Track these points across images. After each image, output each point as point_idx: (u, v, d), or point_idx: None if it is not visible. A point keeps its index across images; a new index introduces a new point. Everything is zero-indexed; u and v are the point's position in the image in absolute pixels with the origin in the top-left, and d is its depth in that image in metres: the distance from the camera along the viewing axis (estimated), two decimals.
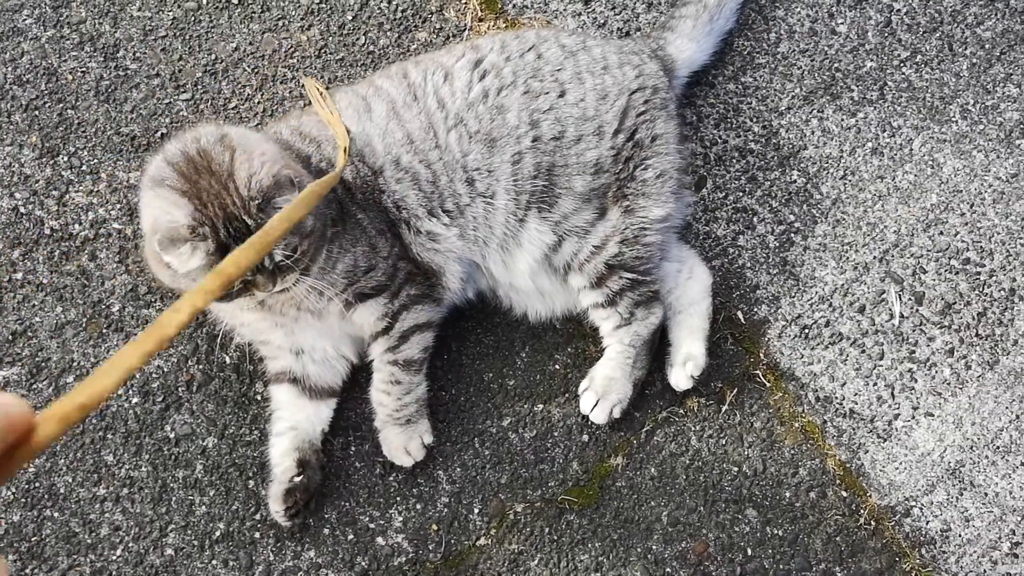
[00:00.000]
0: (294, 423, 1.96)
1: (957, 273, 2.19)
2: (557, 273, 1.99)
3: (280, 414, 1.97)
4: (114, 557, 1.94)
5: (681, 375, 2.05)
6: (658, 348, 2.09)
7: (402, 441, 1.95)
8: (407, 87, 1.92)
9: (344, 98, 1.94)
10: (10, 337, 2.04)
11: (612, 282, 1.97)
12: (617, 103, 1.94)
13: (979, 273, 2.19)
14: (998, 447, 2.09)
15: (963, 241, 2.21)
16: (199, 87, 2.20)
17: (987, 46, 2.30)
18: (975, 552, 2.04)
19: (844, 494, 2.07)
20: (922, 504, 2.07)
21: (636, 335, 2.00)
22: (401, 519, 2.00)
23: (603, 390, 2.03)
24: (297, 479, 1.90)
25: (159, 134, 2.18)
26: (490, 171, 1.89)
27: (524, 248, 1.96)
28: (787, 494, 2.06)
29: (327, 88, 2.08)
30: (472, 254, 1.94)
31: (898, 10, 2.32)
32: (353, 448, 2.03)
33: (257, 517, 1.98)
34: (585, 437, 2.07)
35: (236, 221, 1.56)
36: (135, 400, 2.03)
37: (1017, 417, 2.11)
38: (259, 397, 2.04)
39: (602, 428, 2.07)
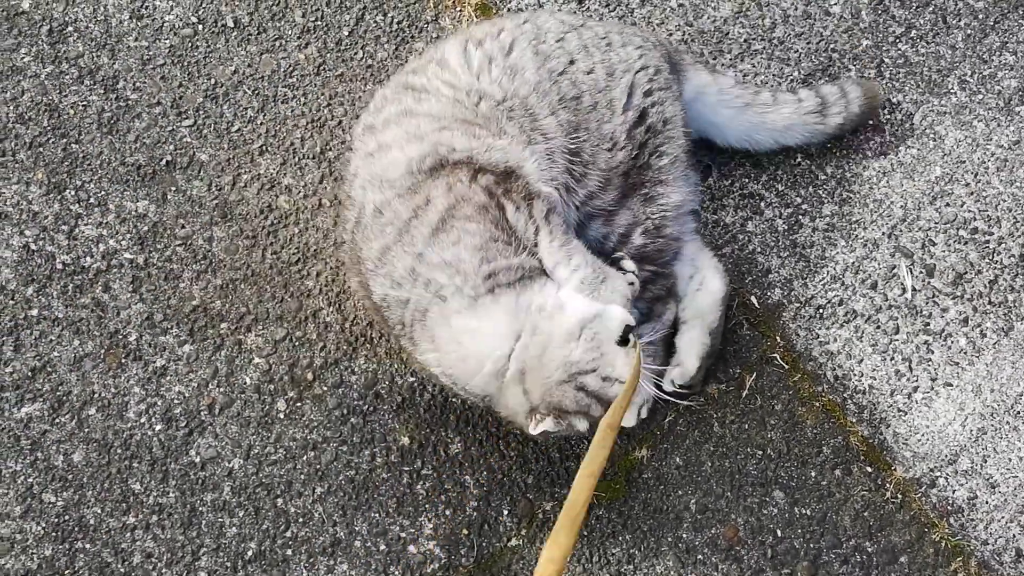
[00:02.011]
0: None
1: (966, 243, 2.20)
2: None
3: None
4: None
5: (667, 378, 2.03)
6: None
7: None
8: (415, 94, 1.94)
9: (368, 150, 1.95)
10: (30, 374, 2.05)
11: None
12: (623, 79, 1.96)
13: (988, 241, 2.20)
14: (1018, 412, 2.10)
15: (969, 211, 2.22)
16: (201, 112, 2.22)
17: (980, 16, 2.32)
18: (1003, 518, 2.05)
19: (869, 469, 2.07)
20: (947, 474, 2.07)
21: (655, 331, 2.01)
22: (431, 526, 2.01)
23: None
24: None
25: (164, 162, 2.19)
26: (544, 132, 1.91)
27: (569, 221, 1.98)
28: (812, 473, 2.07)
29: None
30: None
31: None
32: (379, 459, 2.03)
33: (288, 535, 1.98)
34: None
35: None
36: (158, 427, 2.03)
37: None
38: (281, 415, 2.05)
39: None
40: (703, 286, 2.08)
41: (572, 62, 1.94)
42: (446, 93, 1.91)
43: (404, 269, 1.78)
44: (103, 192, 2.17)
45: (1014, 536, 2.03)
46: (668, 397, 1.98)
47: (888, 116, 2.28)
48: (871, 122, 2.26)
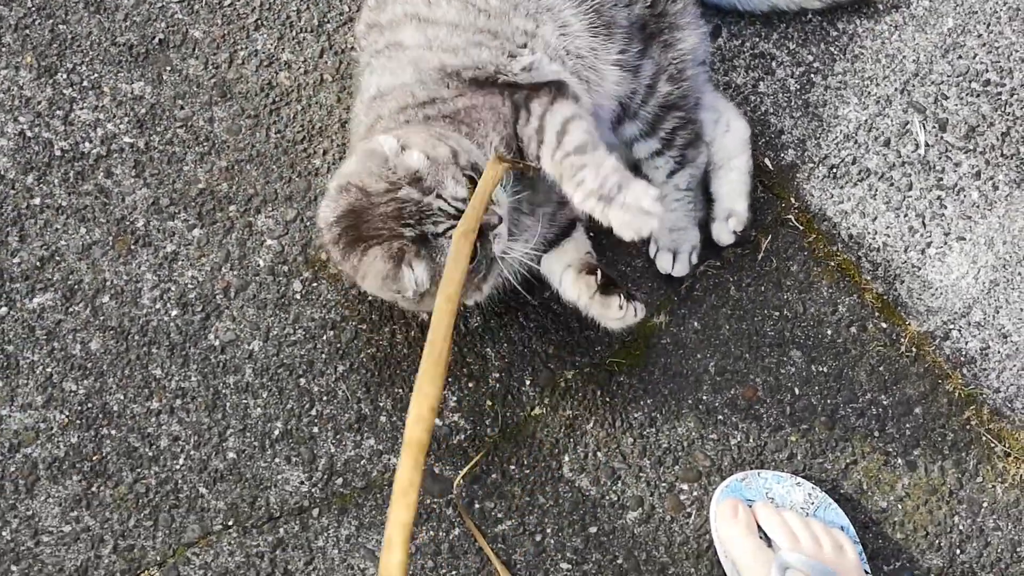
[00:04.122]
0: None
1: (979, 96, 2.18)
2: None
3: None
4: (177, 466, 1.96)
5: (723, 229, 2.06)
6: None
7: None
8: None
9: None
10: (39, 264, 2.01)
11: (667, 123, 1.97)
12: None
13: (1000, 93, 2.18)
14: None
15: (982, 63, 2.19)
16: None
17: None
18: (1015, 366, 2.09)
19: (884, 325, 2.10)
20: (960, 326, 2.10)
21: (692, 176, 2.02)
22: (455, 399, 2.02)
23: (675, 243, 2.04)
24: None
25: (156, 41, 2.11)
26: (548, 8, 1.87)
27: (606, 91, 1.95)
28: (828, 332, 2.09)
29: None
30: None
31: None
32: (399, 335, 2.03)
33: (313, 413, 1.99)
34: None
35: None
36: (174, 312, 2.01)
37: None
38: (298, 296, 2.03)
39: (643, 288, 2.08)
40: (730, 127, 2.09)
41: None
42: None
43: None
44: (96, 74, 2.09)
45: None
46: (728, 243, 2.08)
47: None
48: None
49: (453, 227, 1.66)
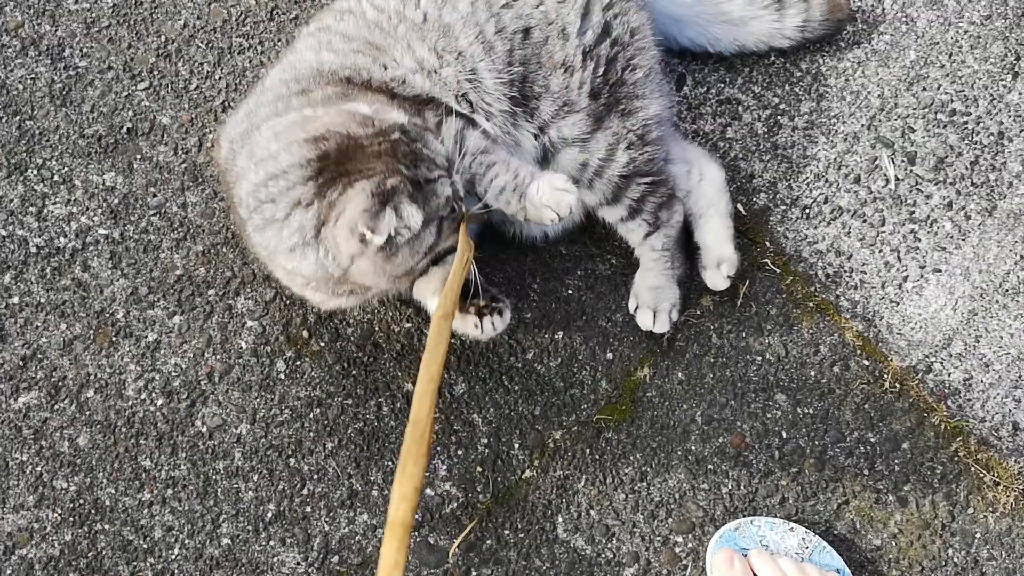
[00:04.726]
0: None
1: (945, 126, 2.20)
2: None
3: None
4: (173, 556, 1.97)
5: (717, 276, 2.07)
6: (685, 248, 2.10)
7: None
8: (352, 14, 1.88)
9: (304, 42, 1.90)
10: (21, 363, 2.02)
11: (631, 191, 1.95)
12: (577, 1, 1.89)
13: (966, 122, 2.20)
14: (1007, 290, 2.13)
15: (946, 93, 2.21)
16: (155, 73, 2.13)
17: None
18: (998, 394, 2.10)
19: (866, 362, 2.11)
20: (942, 358, 2.12)
21: (667, 237, 2.02)
22: (445, 468, 2.03)
23: (654, 301, 2.05)
24: None
25: (125, 130, 2.12)
26: (459, 53, 1.83)
27: (525, 149, 1.92)
28: (812, 373, 2.10)
29: None
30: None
31: None
32: (386, 408, 2.04)
33: (305, 492, 2.00)
34: (609, 355, 2.09)
35: None
36: (160, 402, 2.02)
37: (1021, 258, 2.14)
38: (282, 376, 2.04)
39: (625, 343, 2.09)
40: (704, 175, 2.09)
41: None
42: (370, 16, 1.85)
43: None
44: (66, 168, 2.10)
45: (1010, 411, 2.09)
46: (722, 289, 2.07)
47: (858, 3, 2.23)
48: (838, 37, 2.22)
49: (443, 176, 1.63)
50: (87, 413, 2.00)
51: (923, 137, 2.19)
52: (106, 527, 1.97)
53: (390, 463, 2.02)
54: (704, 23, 2.15)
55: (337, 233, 1.59)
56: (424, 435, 1.62)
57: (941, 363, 2.11)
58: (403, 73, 1.80)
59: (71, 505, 1.97)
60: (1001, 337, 2.12)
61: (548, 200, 1.71)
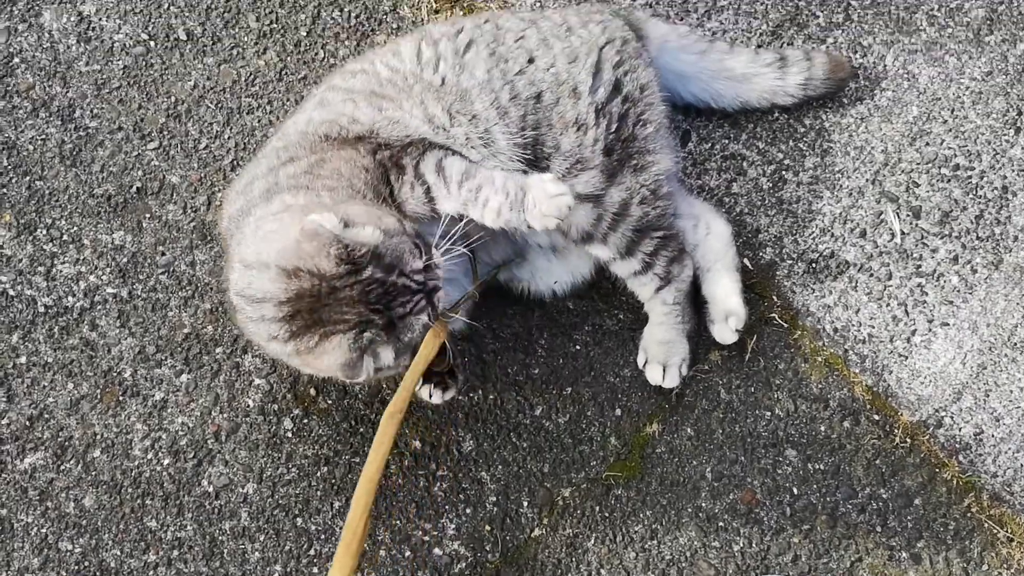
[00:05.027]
0: None
1: (949, 181, 2.21)
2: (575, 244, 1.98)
3: None
4: None
5: (725, 330, 2.07)
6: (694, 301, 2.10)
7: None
8: (365, 73, 1.91)
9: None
10: (28, 423, 2.01)
11: (644, 245, 1.96)
12: (588, 60, 1.92)
13: (970, 177, 2.21)
14: (1015, 344, 2.13)
15: (949, 148, 2.22)
16: (165, 133, 2.15)
17: None
18: (1010, 449, 2.09)
19: (876, 417, 2.10)
20: (952, 413, 2.11)
21: (678, 291, 2.02)
22: (454, 526, 2.01)
23: (665, 355, 2.05)
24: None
25: (134, 189, 2.13)
26: (474, 116, 1.85)
27: None
28: (822, 428, 2.09)
29: None
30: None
31: None
32: (393, 466, 2.03)
33: (312, 553, 1.98)
34: (618, 411, 2.08)
35: None
36: (166, 461, 2.01)
37: None
38: (289, 434, 2.03)
39: (634, 399, 2.08)
40: (711, 229, 2.11)
41: (531, 60, 1.89)
42: (383, 75, 1.88)
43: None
44: (75, 228, 2.11)
45: (1022, 465, 2.08)
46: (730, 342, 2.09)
47: (860, 60, 2.26)
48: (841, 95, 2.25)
49: (419, 303, 1.64)
50: (93, 473, 1.99)
51: (927, 191, 2.20)
52: None
53: (397, 522, 2.00)
54: (708, 79, 2.18)
55: (318, 368, 1.68)
56: (353, 540, 1.67)
57: (951, 417, 2.10)
58: (401, 116, 1.83)
59: (76, 567, 1.95)
60: (1011, 391, 2.11)
61: (548, 211, 1.74)
